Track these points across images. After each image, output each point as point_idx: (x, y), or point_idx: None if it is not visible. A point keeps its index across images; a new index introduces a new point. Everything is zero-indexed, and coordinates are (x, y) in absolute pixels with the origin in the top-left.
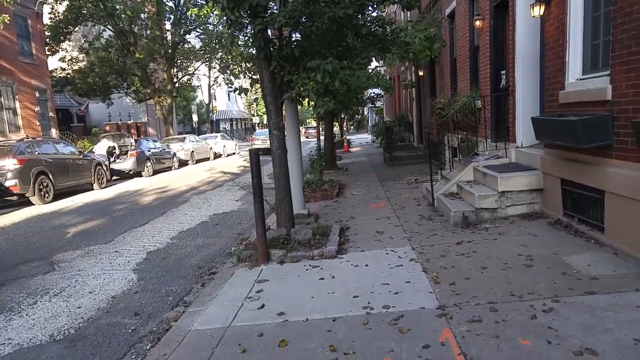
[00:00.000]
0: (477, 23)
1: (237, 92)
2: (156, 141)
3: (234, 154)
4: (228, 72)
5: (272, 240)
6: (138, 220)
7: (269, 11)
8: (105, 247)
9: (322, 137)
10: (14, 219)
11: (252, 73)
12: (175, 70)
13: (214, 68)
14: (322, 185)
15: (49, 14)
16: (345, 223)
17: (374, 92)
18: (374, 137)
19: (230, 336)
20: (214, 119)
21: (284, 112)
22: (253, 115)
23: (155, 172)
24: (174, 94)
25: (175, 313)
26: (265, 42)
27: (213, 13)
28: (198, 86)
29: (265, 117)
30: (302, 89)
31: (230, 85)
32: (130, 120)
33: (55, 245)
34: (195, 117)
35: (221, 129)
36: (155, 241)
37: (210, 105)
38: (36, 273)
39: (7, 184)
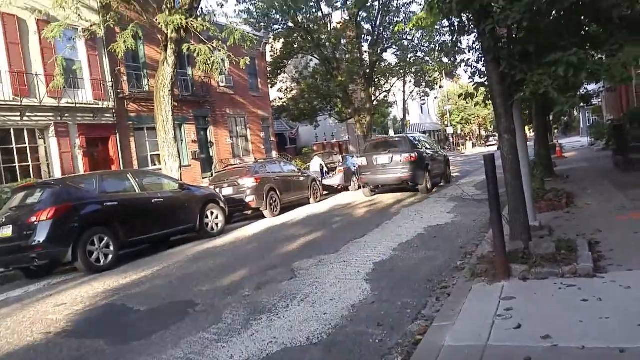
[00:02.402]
0: None
1: (464, 97)
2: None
3: None
4: (423, 84)
5: (509, 254)
6: (357, 231)
7: (496, 8)
8: (334, 257)
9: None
10: (253, 230)
11: (477, 76)
12: (373, 89)
13: (410, 82)
14: (545, 194)
15: (270, 52)
16: (590, 237)
17: (590, 89)
18: (593, 139)
19: (491, 356)
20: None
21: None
22: (446, 126)
23: (359, 186)
24: (373, 112)
25: (417, 327)
26: (495, 42)
27: (413, 27)
28: (394, 102)
29: (459, 126)
30: (537, 87)
31: (425, 97)
32: (333, 139)
33: (292, 254)
34: (392, 132)
35: None
36: (378, 252)
37: (405, 119)
38: (282, 279)
39: (247, 199)
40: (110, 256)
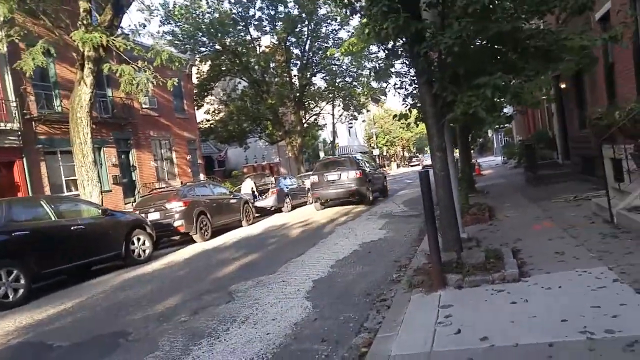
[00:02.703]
0: None
1: (398, 118)
2: (292, 178)
3: None
4: (351, 108)
5: (444, 265)
6: (294, 251)
7: (428, 33)
8: (272, 277)
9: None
10: (184, 255)
11: (409, 99)
12: (303, 111)
13: (339, 106)
14: (469, 208)
15: (196, 74)
16: (513, 246)
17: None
18: (506, 158)
19: None
20: (337, 154)
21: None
22: (373, 148)
23: (293, 207)
24: (303, 134)
25: (362, 339)
26: (428, 65)
27: (341, 53)
28: (324, 124)
29: (384, 148)
30: (467, 107)
31: (353, 120)
32: (264, 161)
33: (228, 277)
34: (322, 154)
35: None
36: (317, 270)
37: (334, 142)
38: (220, 302)
39: (175, 224)
40: (21, 290)
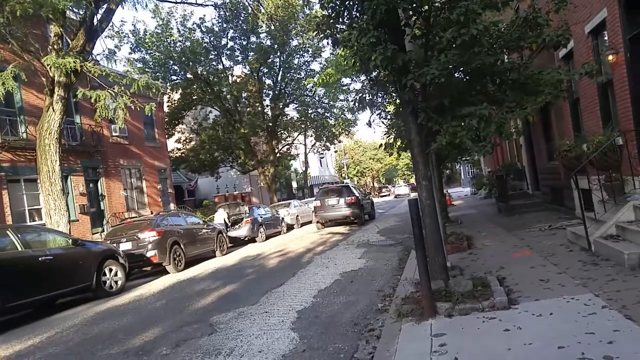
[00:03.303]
0: (610, 57)
1: (383, 148)
2: (266, 208)
3: None
4: (324, 139)
5: (433, 293)
6: (273, 281)
7: (414, 64)
8: (254, 309)
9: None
10: (158, 286)
11: (392, 129)
12: (275, 141)
13: (311, 136)
14: (447, 237)
15: (167, 102)
16: (497, 274)
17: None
18: (475, 189)
19: None
20: (309, 184)
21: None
22: (344, 178)
23: (267, 237)
24: (276, 164)
25: None
26: (414, 96)
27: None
28: (297, 154)
29: (355, 179)
30: (453, 137)
31: (325, 150)
32: (235, 191)
33: (207, 309)
34: (294, 184)
35: (315, 193)
36: (299, 300)
37: (307, 172)
38: (202, 334)
39: (148, 254)
40: None
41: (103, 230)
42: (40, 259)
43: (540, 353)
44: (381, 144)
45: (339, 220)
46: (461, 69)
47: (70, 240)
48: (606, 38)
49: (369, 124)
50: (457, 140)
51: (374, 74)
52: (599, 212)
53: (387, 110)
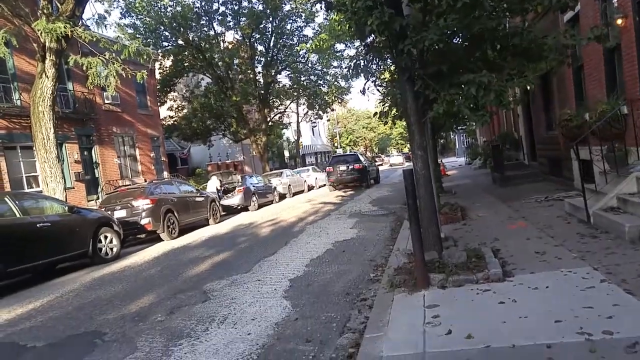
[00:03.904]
0: (619, 21)
1: (378, 116)
2: (258, 177)
3: (325, 185)
4: (316, 107)
5: (426, 264)
6: (266, 250)
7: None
8: (247, 277)
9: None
10: (153, 253)
11: (387, 97)
12: (267, 110)
13: (303, 105)
14: (441, 208)
15: (159, 69)
16: (491, 245)
17: None
18: (470, 159)
19: None
20: (301, 154)
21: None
22: (336, 148)
23: (259, 206)
24: (268, 133)
25: (347, 340)
26: (411, 62)
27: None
28: (289, 123)
29: (348, 148)
30: (451, 105)
31: (318, 119)
32: (228, 159)
33: (201, 276)
34: (287, 153)
35: (307, 162)
36: (292, 269)
37: (299, 141)
38: (196, 302)
39: (142, 222)
40: None
41: (98, 198)
42: (38, 225)
43: (537, 327)
44: (376, 113)
45: (348, 183)
46: (460, 34)
47: (67, 207)
48: (615, 0)
49: (363, 92)
50: (454, 109)
51: (370, 39)
52: (599, 184)
53: (382, 77)
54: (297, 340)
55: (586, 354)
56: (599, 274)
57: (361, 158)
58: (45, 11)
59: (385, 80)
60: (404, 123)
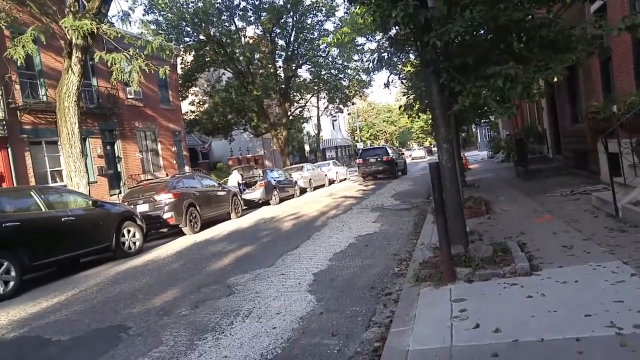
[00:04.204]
0: None
1: (403, 109)
2: (279, 171)
3: (345, 179)
4: (337, 101)
5: (452, 258)
6: (288, 244)
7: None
8: (271, 271)
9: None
10: (175, 248)
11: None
12: (288, 104)
13: (324, 98)
14: (465, 202)
15: (180, 64)
16: (517, 239)
17: None
18: (492, 153)
19: (459, 357)
20: (321, 148)
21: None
22: (357, 142)
23: (281, 200)
24: (289, 127)
25: (373, 334)
26: (436, 55)
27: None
28: (310, 117)
29: (368, 142)
30: (477, 98)
31: (338, 113)
32: (249, 154)
33: (224, 270)
34: (307, 147)
35: (327, 156)
36: (315, 263)
37: (319, 135)
38: (220, 296)
39: (165, 216)
40: (12, 283)
41: (120, 192)
42: (62, 219)
43: (566, 321)
44: (400, 106)
45: (377, 174)
46: (486, 26)
47: (91, 201)
48: None
49: (387, 85)
50: (481, 101)
51: (393, 32)
52: (628, 177)
53: (406, 70)
54: (322, 334)
55: (616, 347)
56: (629, 268)
57: (389, 151)
58: (72, 9)
59: (409, 72)
60: (426, 116)
